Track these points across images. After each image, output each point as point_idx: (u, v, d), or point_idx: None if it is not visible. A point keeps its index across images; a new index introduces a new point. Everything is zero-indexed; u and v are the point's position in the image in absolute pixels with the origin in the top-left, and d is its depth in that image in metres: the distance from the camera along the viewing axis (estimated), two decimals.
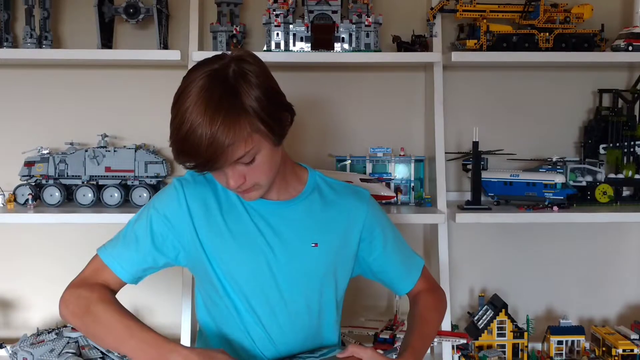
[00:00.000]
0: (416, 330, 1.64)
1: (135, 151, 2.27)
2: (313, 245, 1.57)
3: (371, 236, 1.66)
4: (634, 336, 2.29)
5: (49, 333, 2.20)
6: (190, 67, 1.46)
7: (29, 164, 2.28)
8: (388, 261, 1.70)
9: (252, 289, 1.54)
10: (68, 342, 2.14)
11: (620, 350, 2.23)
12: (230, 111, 1.35)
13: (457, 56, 2.19)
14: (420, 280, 1.75)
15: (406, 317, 1.76)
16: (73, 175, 2.27)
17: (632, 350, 2.23)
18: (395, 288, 1.75)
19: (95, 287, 1.51)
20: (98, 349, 2.13)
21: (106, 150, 2.28)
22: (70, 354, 2.10)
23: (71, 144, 2.31)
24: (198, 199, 1.55)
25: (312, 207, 1.60)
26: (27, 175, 2.28)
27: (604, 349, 2.31)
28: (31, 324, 2.47)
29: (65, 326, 2.22)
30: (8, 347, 2.24)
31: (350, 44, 2.25)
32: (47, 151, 2.30)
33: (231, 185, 1.44)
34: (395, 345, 2.17)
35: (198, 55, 2.16)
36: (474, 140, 2.26)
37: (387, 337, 2.20)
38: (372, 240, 1.67)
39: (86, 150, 2.27)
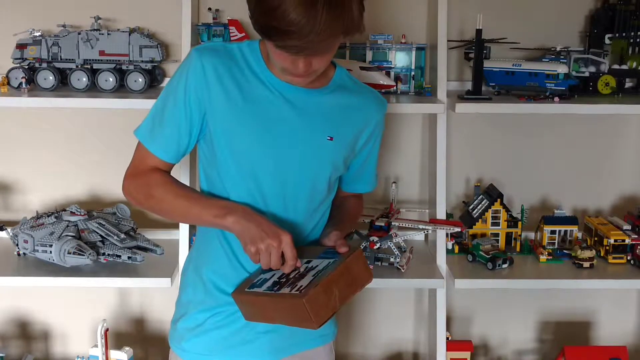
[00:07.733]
0: (347, 221, 1.74)
1: (130, 34, 2.22)
2: (329, 138, 1.58)
3: (369, 141, 1.69)
4: (626, 227, 2.32)
5: (48, 216, 2.22)
6: None
7: (21, 46, 2.23)
8: (361, 166, 1.74)
9: (255, 165, 1.55)
10: (68, 226, 2.17)
11: (611, 240, 2.27)
12: (346, 6, 1.36)
13: None
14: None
15: (346, 204, 1.79)
16: (66, 59, 2.23)
17: (623, 241, 2.27)
18: (342, 184, 1.79)
19: (148, 174, 1.58)
20: (97, 233, 2.17)
21: (99, 33, 2.21)
22: (70, 237, 2.13)
23: (63, 26, 2.25)
24: (215, 66, 1.52)
25: (335, 101, 1.60)
26: (19, 58, 2.23)
27: (595, 238, 2.35)
28: (30, 208, 2.48)
29: (64, 210, 2.25)
30: (9, 229, 2.27)
31: None
32: (39, 33, 2.24)
33: (301, 70, 1.44)
34: (390, 233, 2.20)
35: None
36: (478, 27, 2.20)
37: (383, 224, 2.23)
38: (366, 144, 1.69)
39: (79, 33, 2.21)
